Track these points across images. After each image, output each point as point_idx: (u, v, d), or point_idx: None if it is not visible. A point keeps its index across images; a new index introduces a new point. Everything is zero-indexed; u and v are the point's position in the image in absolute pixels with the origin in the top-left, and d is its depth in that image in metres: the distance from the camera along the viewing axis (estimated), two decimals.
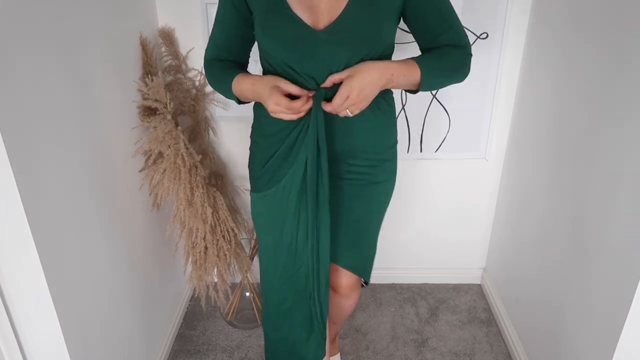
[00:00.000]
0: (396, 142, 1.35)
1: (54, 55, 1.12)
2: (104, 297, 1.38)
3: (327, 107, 1.11)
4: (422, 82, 1.14)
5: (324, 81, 1.13)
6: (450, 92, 1.85)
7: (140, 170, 1.61)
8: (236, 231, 1.72)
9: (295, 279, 1.36)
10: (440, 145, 1.95)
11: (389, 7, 1.12)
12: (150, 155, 1.55)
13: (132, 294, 1.57)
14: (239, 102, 1.26)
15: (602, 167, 1.27)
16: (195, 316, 2.06)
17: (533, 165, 1.71)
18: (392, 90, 1.27)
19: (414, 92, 1.21)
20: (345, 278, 1.41)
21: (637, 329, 1.16)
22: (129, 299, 1.55)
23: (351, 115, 1.11)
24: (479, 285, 2.25)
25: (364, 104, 1.11)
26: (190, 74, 1.82)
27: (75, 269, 1.22)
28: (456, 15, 1.17)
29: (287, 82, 1.13)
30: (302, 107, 1.11)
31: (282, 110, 1.10)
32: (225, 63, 1.27)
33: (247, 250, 1.93)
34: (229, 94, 1.24)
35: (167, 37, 1.74)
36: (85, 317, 1.27)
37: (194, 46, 1.79)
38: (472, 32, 1.75)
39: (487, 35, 1.75)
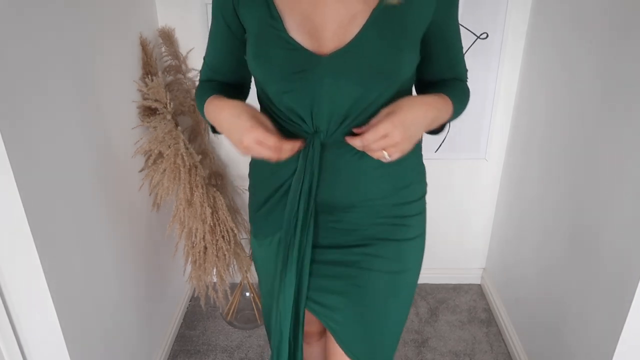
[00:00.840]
0: (424, 193, 1.11)
1: (54, 55, 1.12)
2: (104, 297, 1.38)
3: (356, 143, 0.89)
4: (450, 120, 0.98)
5: (323, 118, 0.92)
6: None
7: (140, 170, 1.61)
8: (236, 231, 1.72)
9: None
10: (440, 145, 1.95)
11: (413, 34, 0.92)
12: (150, 155, 1.55)
13: (132, 293, 1.57)
14: (214, 130, 1.03)
15: (601, 167, 1.27)
16: (195, 316, 2.06)
17: (533, 165, 1.71)
18: None
19: (434, 132, 1.01)
20: None
21: (637, 329, 1.16)
22: (128, 298, 1.55)
23: (388, 159, 0.88)
24: (479, 285, 2.25)
25: (407, 147, 0.88)
26: (190, 74, 1.81)
27: (75, 269, 1.22)
28: (462, 50, 1.05)
29: (269, 125, 0.90)
30: (292, 150, 0.90)
31: (264, 150, 0.87)
32: (212, 84, 1.06)
33: (247, 250, 1.93)
34: (205, 120, 1.02)
35: (167, 37, 1.74)
36: (85, 317, 1.27)
37: (194, 46, 1.79)
38: (472, 32, 1.75)
39: (487, 36, 1.75)
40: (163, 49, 1.77)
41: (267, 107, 0.99)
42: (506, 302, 1.97)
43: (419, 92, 1.06)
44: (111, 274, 1.43)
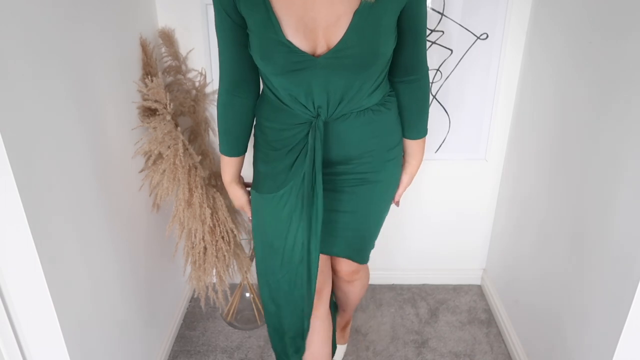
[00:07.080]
0: (400, 140, 1.35)
1: (54, 56, 1.12)
2: (104, 298, 1.38)
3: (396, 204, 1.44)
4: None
5: (323, 103, 1.18)
6: (450, 93, 1.85)
7: (140, 171, 1.61)
8: (236, 232, 1.72)
9: (287, 279, 1.38)
10: (440, 146, 1.95)
11: (387, 27, 1.12)
12: (150, 156, 1.55)
13: (132, 294, 1.57)
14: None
15: (602, 168, 1.27)
16: (195, 317, 2.06)
17: (533, 166, 1.71)
18: (389, 88, 1.29)
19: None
20: (344, 265, 1.48)
21: (637, 330, 1.16)
22: (128, 299, 1.55)
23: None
24: (479, 286, 2.25)
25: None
26: (190, 75, 1.82)
27: (75, 269, 1.22)
28: (426, 46, 1.26)
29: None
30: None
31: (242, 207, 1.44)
32: (238, 114, 1.28)
33: (247, 251, 1.93)
34: (221, 148, 1.35)
35: (167, 38, 1.74)
36: (85, 317, 1.27)
37: (194, 47, 1.79)
38: (472, 32, 1.75)
39: (487, 36, 1.75)
40: (163, 50, 1.77)
41: (273, 90, 1.22)
42: (506, 303, 1.97)
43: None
44: (111, 274, 1.43)
